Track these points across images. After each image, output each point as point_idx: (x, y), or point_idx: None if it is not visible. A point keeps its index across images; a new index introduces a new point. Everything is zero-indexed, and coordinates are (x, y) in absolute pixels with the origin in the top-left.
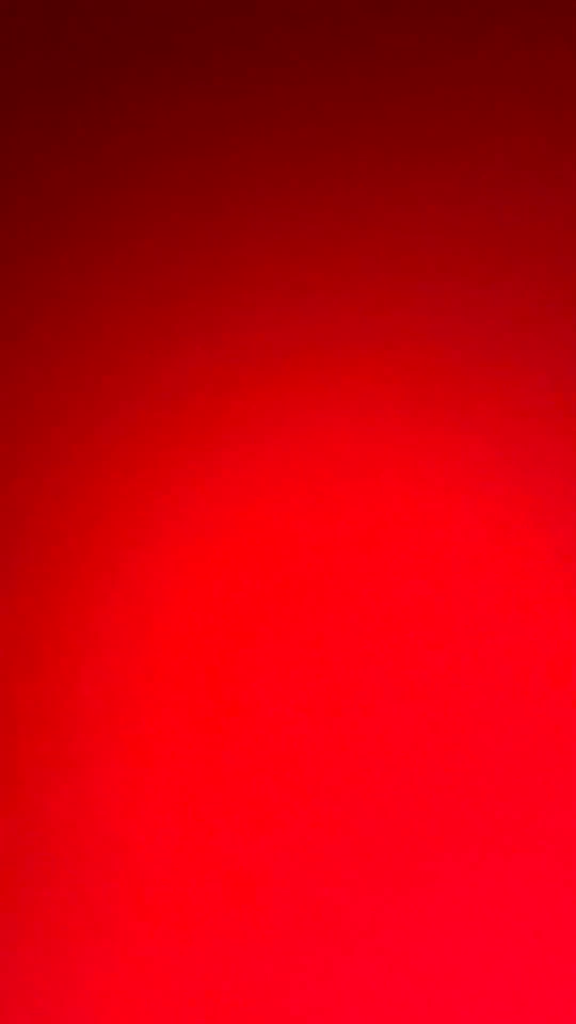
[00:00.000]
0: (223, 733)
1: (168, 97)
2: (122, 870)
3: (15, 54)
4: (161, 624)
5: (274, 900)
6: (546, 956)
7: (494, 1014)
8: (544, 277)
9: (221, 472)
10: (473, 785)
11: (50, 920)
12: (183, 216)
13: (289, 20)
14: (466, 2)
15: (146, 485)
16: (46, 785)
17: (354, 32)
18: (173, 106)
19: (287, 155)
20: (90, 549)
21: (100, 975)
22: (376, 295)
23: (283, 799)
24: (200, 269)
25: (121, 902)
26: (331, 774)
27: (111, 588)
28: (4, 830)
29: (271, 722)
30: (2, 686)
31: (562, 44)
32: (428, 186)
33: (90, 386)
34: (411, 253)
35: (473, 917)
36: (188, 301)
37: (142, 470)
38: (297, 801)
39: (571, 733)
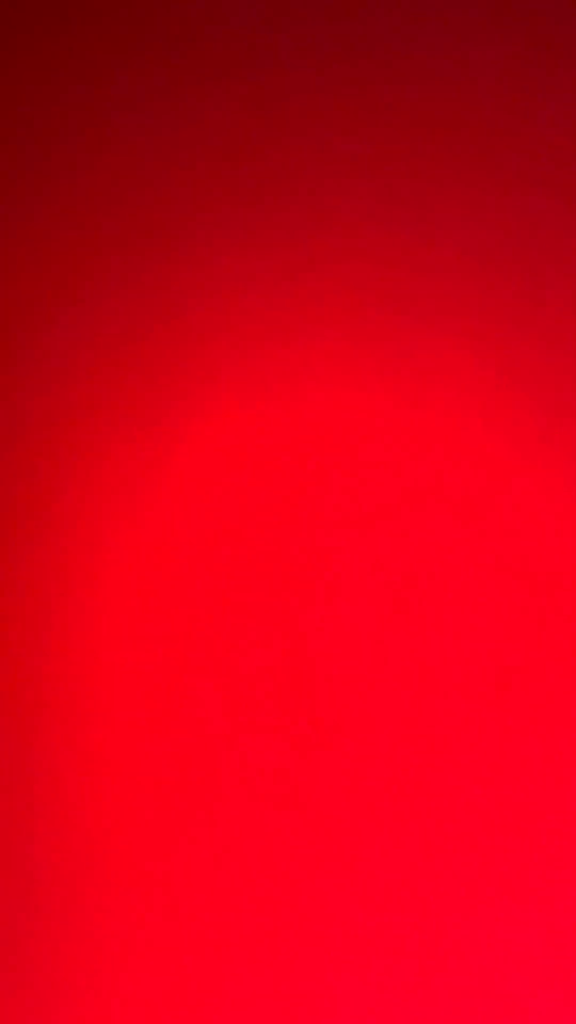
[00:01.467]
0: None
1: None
2: (104, 853)
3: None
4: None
5: (267, 885)
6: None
7: (494, 1003)
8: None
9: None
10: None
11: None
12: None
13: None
14: None
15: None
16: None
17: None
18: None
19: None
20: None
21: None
22: (380, 204)
23: (280, 771)
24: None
25: (108, 895)
26: (331, 746)
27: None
28: None
29: (268, 668)
30: None
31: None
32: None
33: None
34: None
35: (474, 910)
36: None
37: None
38: (295, 780)
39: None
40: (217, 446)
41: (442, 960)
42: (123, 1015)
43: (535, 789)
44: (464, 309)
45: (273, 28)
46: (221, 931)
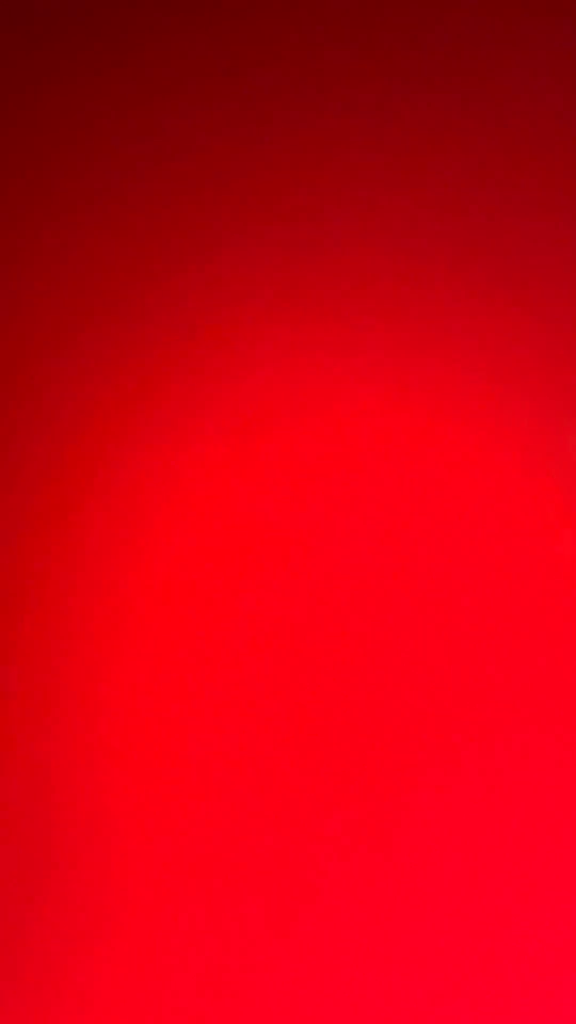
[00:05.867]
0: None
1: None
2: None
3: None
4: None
5: (270, 883)
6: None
7: (496, 993)
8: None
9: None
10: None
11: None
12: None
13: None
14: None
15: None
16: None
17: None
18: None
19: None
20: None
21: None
22: (373, 217)
23: (281, 769)
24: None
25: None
26: (332, 752)
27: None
28: None
29: (268, 667)
30: None
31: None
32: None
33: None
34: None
35: (474, 908)
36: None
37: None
38: (296, 777)
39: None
40: (219, 476)
41: (442, 960)
42: (123, 1014)
43: (539, 822)
44: (469, 331)
45: (269, 49)
46: (226, 946)
